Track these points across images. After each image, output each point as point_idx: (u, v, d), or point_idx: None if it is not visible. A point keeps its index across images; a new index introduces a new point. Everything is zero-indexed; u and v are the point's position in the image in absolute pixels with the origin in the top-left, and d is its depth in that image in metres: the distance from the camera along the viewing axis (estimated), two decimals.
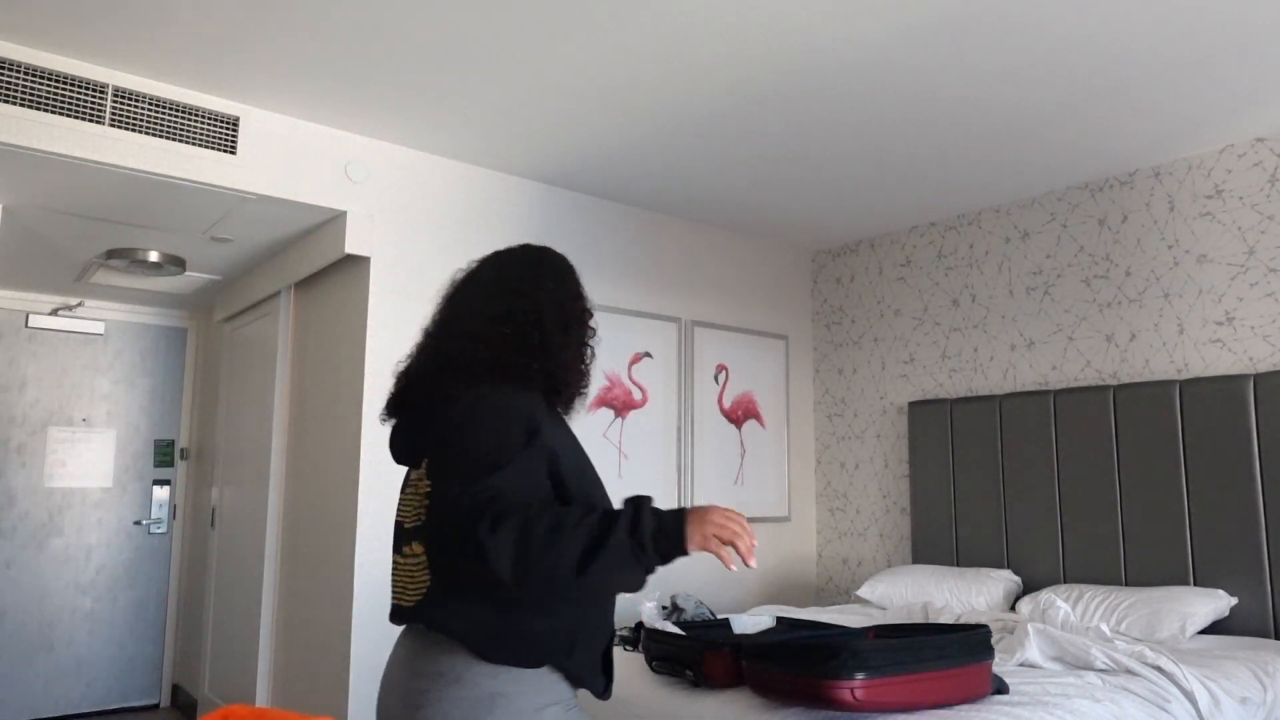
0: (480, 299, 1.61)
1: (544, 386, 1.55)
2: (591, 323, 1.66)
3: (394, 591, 1.54)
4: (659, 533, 1.34)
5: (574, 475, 1.51)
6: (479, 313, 1.59)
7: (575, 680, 1.48)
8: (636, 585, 1.36)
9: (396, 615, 1.52)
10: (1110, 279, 3.77)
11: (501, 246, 1.74)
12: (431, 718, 1.39)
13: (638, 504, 1.36)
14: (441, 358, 1.57)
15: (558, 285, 1.63)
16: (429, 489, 1.45)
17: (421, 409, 1.57)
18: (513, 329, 1.55)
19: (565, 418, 1.64)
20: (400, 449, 1.62)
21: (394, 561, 1.55)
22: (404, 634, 1.54)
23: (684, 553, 1.34)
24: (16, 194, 3.27)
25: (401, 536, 1.54)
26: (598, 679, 1.51)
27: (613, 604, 1.58)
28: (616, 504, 1.43)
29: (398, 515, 1.58)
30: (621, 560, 1.31)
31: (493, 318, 1.57)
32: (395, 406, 1.64)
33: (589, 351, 1.64)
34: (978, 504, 4.00)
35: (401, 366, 1.65)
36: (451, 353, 1.55)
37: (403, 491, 1.58)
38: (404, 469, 1.80)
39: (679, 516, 1.36)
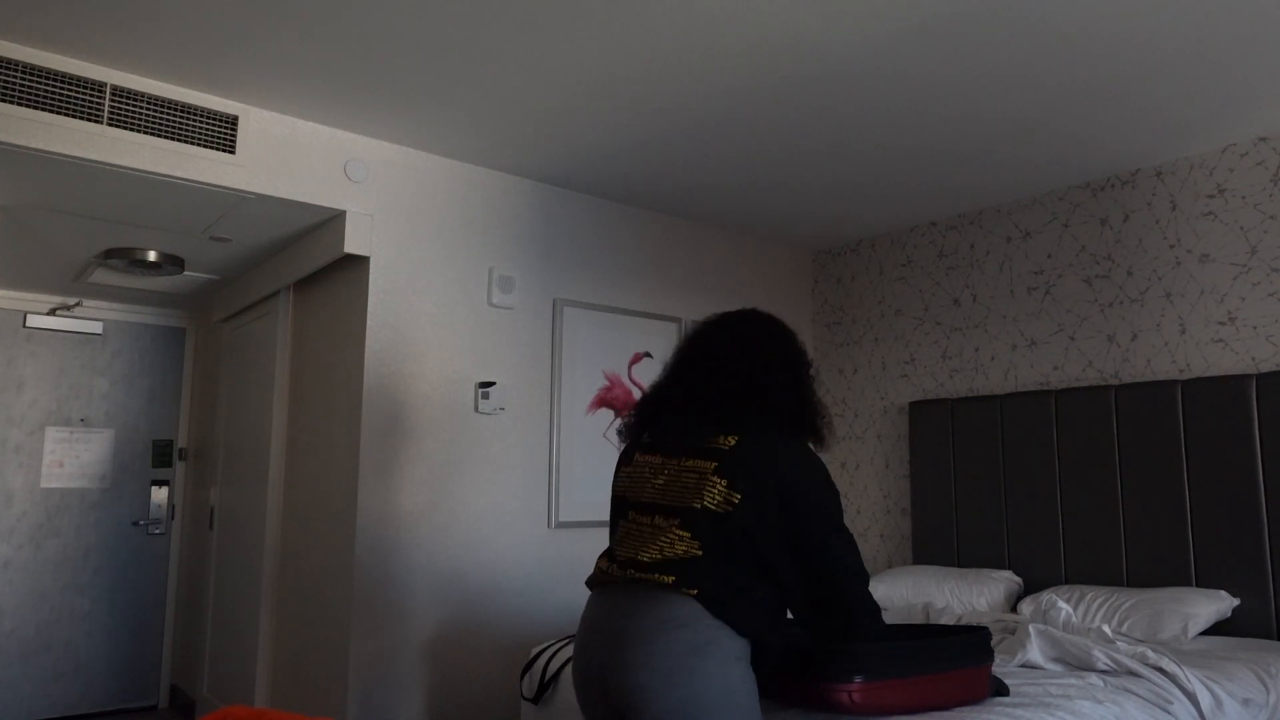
0: (740, 354, 1.99)
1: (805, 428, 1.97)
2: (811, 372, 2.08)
3: (624, 549, 1.92)
4: None
5: None
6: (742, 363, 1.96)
7: (762, 649, 1.84)
8: None
9: (634, 567, 1.85)
10: (1112, 279, 3.76)
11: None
12: (657, 651, 1.72)
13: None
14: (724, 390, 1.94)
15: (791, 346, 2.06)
16: (713, 482, 1.84)
17: (693, 421, 1.94)
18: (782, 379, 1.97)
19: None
20: (658, 441, 1.98)
21: (634, 521, 1.94)
22: (620, 587, 1.88)
23: None
24: (15, 193, 3.27)
25: (649, 508, 1.92)
26: (774, 654, 1.88)
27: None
28: None
29: (636, 491, 1.96)
30: None
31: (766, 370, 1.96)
32: (649, 418, 2.05)
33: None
34: (979, 504, 3.99)
35: (655, 391, 2.06)
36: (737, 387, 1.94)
37: (643, 470, 1.96)
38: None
39: None
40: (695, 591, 1.76)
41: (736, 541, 1.81)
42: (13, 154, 2.84)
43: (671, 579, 1.79)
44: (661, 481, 1.91)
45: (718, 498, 1.82)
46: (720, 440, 1.87)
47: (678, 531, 1.85)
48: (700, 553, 1.81)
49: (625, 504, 1.99)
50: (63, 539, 4.89)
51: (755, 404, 1.90)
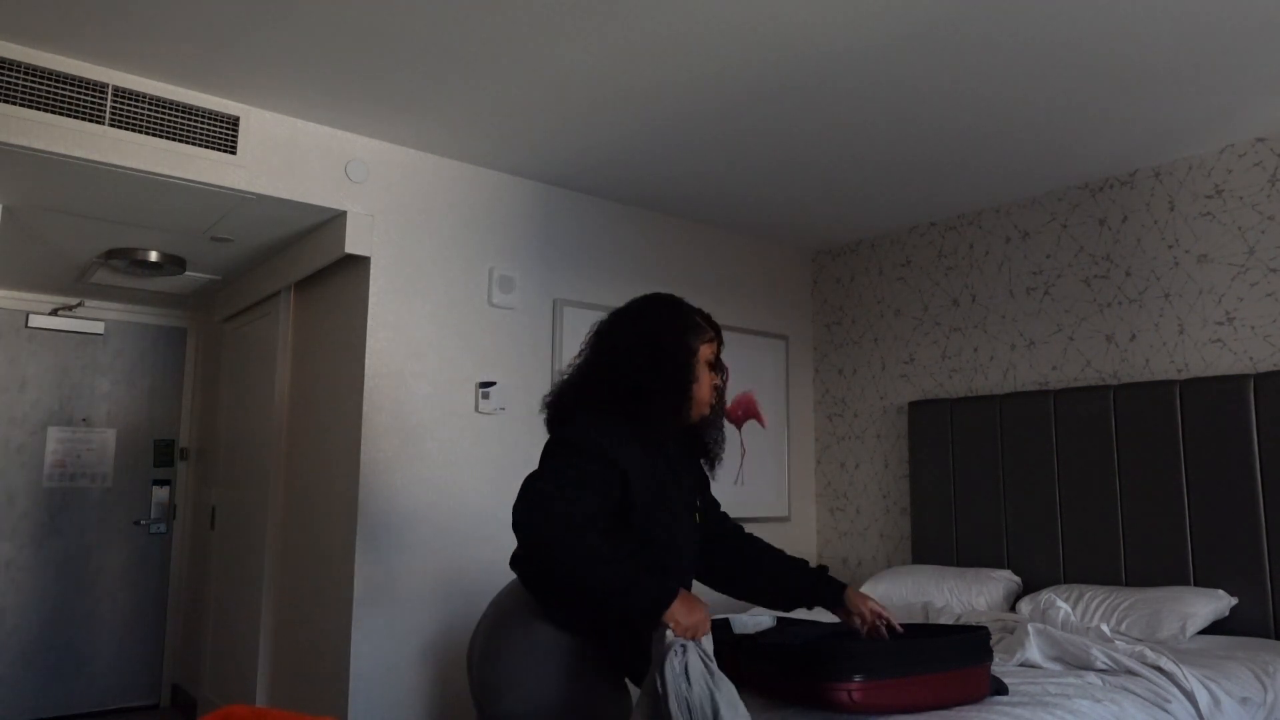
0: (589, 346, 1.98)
1: (625, 414, 1.82)
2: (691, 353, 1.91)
3: None
4: (651, 612, 1.65)
5: (643, 498, 1.78)
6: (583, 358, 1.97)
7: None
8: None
9: None
10: (1110, 279, 3.77)
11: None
12: (496, 645, 1.80)
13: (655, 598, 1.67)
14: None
15: (640, 324, 1.94)
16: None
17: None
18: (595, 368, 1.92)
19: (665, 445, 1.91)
20: None
21: None
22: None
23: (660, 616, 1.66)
24: (16, 194, 3.27)
25: None
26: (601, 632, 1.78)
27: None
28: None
29: None
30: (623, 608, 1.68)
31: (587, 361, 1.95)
32: None
33: (677, 382, 1.87)
34: (978, 504, 3.99)
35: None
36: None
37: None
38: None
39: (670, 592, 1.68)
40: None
41: None
42: (14, 154, 2.85)
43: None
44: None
45: None
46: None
47: None
48: None
49: None
50: (65, 538, 4.90)
51: (580, 392, 1.90)
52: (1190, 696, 2.34)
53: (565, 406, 1.91)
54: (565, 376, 1.96)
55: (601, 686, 1.71)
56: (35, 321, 4.89)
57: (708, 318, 1.99)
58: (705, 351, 1.92)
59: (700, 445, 1.99)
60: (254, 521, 4.14)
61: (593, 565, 1.61)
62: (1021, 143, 3.48)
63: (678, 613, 1.64)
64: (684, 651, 1.62)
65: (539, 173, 3.88)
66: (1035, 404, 3.83)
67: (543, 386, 3.87)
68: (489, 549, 3.62)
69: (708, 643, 1.67)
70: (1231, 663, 2.64)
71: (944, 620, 3.34)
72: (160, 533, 5.19)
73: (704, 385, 1.91)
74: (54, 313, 4.96)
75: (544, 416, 1.97)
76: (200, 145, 3.10)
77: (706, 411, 1.93)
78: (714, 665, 1.66)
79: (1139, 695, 2.30)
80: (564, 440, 1.80)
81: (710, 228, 4.63)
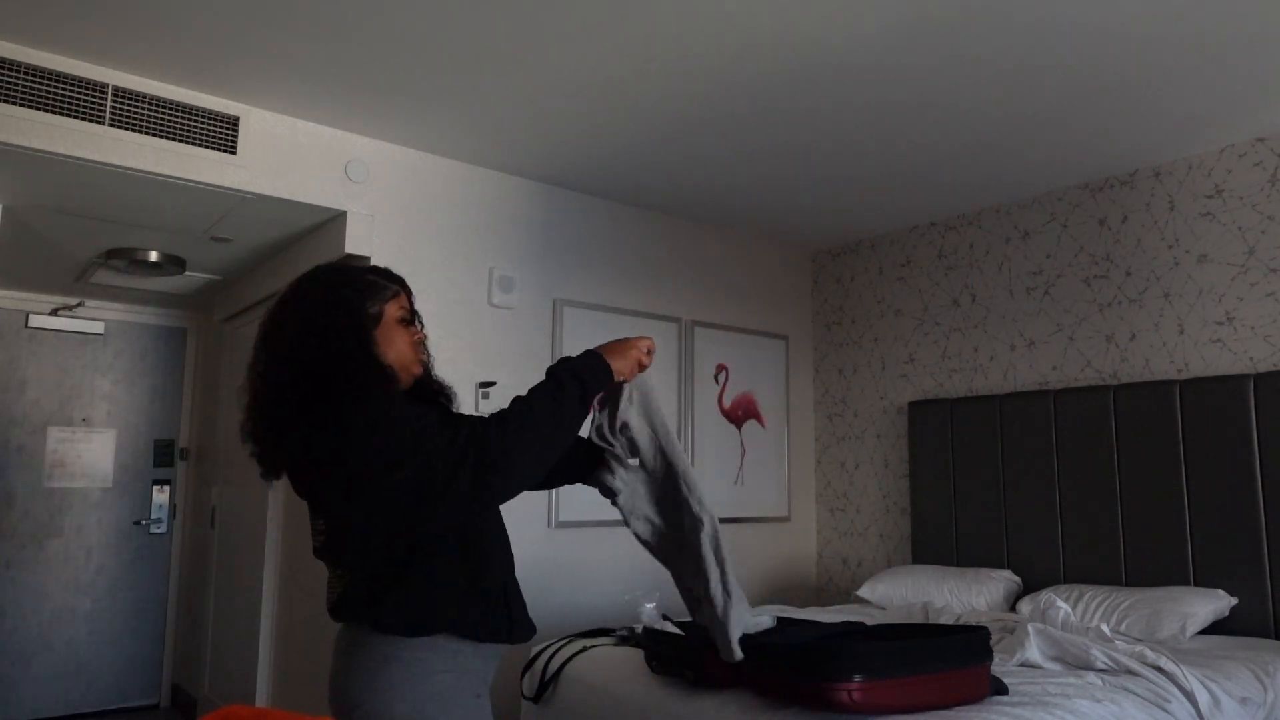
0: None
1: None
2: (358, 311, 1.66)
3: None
4: (593, 379, 1.62)
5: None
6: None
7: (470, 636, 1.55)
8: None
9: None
10: (1110, 279, 3.77)
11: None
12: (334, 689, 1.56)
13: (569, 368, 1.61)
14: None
15: (303, 313, 1.64)
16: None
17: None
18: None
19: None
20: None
21: None
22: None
23: (612, 382, 1.69)
24: (16, 194, 3.27)
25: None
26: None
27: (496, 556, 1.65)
28: None
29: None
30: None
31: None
32: None
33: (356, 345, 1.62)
34: (978, 504, 4.00)
35: None
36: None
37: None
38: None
39: (599, 359, 1.66)
40: (348, 614, 1.57)
41: (354, 553, 1.56)
42: (15, 154, 2.85)
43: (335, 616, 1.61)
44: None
45: (318, 539, 1.59)
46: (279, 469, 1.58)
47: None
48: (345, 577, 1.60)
49: None
50: (65, 539, 4.90)
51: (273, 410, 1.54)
52: (1190, 696, 2.35)
53: (272, 435, 1.56)
54: (249, 404, 1.59)
55: (467, 677, 1.55)
56: (35, 321, 4.89)
57: (385, 272, 1.73)
58: (392, 310, 1.70)
59: (434, 404, 1.75)
60: (254, 521, 4.14)
61: (541, 418, 1.50)
62: (1021, 142, 3.48)
63: (615, 364, 1.68)
64: (631, 395, 1.83)
65: (539, 173, 3.88)
66: (1035, 404, 3.83)
67: None
68: None
69: (647, 376, 1.81)
70: (1231, 663, 2.64)
71: (944, 620, 3.34)
72: (160, 533, 5.19)
73: (401, 346, 1.68)
74: (54, 313, 4.96)
75: (253, 453, 1.59)
76: (200, 145, 3.10)
77: (418, 371, 1.71)
78: (655, 401, 1.87)
79: (1139, 695, 2.30)
80: (358, 423, 1.45)
81: (710, 228, 4.63)
